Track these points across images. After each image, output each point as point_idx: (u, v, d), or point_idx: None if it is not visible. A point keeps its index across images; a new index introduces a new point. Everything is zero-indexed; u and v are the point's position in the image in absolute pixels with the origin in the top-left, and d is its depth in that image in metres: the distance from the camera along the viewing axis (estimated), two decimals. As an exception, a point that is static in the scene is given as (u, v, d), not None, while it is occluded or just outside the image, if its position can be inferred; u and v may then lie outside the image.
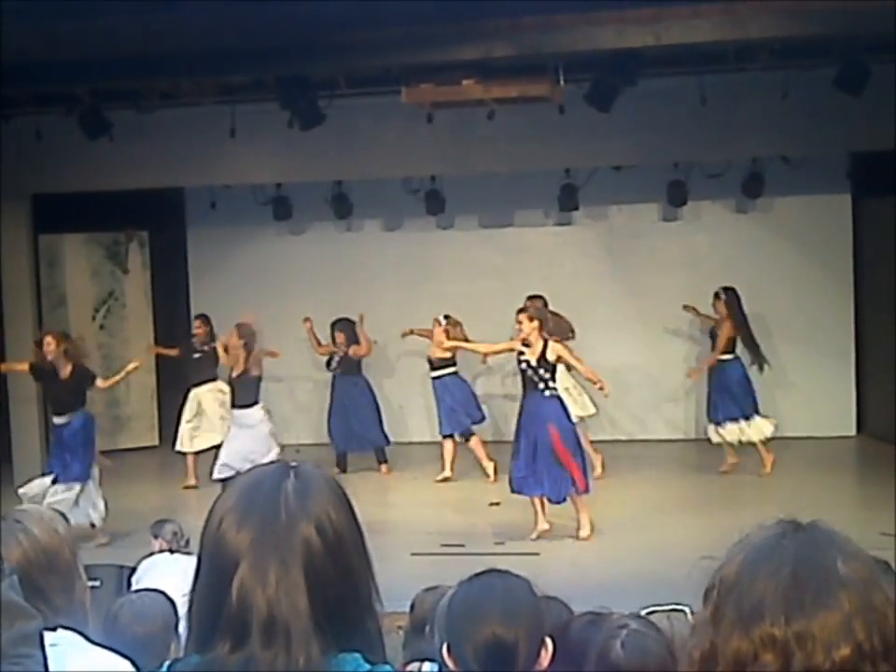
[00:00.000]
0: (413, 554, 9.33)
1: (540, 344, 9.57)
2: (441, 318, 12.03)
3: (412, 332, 12.71)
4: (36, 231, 13.21)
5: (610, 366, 13.08)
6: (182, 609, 4.20)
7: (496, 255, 14.08)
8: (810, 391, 13.32)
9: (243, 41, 9.20)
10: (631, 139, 11.58)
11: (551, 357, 9.55)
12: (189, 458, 12.25)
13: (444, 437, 12.19)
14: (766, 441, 11.56)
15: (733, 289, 11.88)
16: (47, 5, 8.91)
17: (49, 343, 10.16)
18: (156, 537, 7.13)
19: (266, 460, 10.08)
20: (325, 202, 13.65)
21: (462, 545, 9.60)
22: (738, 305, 11.84)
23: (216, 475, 10.53)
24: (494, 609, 2.63)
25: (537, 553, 9.22)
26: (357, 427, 12.46)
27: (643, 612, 3.28)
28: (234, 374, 10.45)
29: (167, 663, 1.71)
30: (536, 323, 9.61)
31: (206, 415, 12.22)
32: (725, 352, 11.78)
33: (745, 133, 11.53)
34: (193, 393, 12.37)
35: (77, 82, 10.47)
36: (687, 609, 5.76)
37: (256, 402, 10.56)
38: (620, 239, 13.92)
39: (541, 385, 9.57)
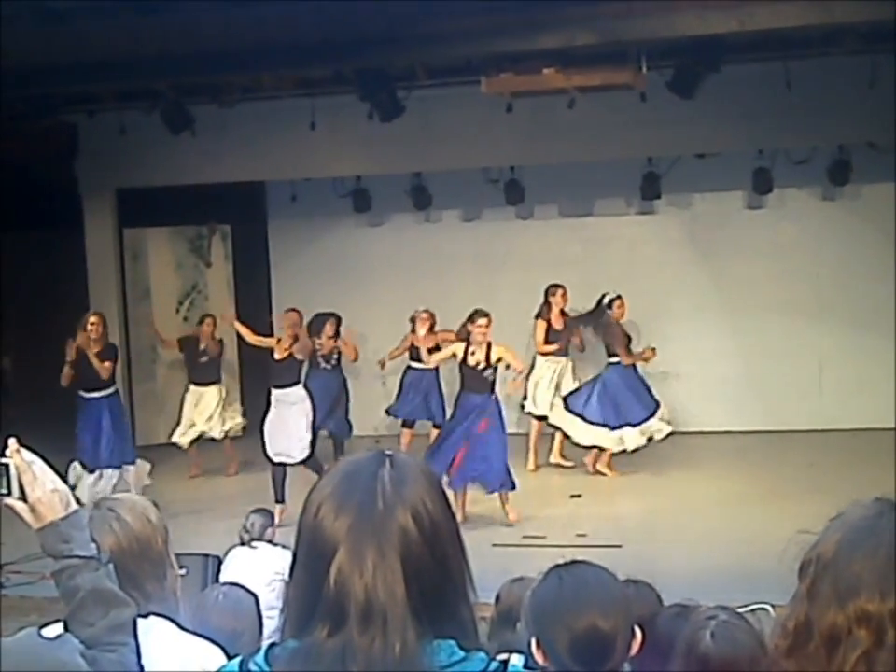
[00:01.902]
0: (494, 545, 9.32)
1: (485, 347, 9.90)
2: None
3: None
4: (121, 225, 13.42)
5: (695, 356, 12.96)
6: (263, 602, 4.24)
7: (576, 245, 13.98)
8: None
9: (322, 34, 9.23)
10: (714, 126, 11.43)
11: (493, 358, 9.90)
12: (192, 450, 12.50)
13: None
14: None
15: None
16: (128, 2, 9.03)
17: (97, 323, 10.79)
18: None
19: (301, 441, 10.17)
20: (404, 193, 13.68)
21: (543, 536, 9.57)
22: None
23: (276, 459, 10.61)
24: (591, 599, 2.60)
25: (619, 546, 9.15)
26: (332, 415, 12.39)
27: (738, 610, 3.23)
28: (278, 356, 10.67)
29: (265, 645, 1.74)
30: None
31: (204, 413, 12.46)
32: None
33: (831, 119, 11.33)
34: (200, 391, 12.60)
35: (159, 78, 10.60)
36: (769, 607, 5.67)
37: (297, 382, 10.74)
38: (704, 228, 13.75)
39: (488, 386, 9.93)
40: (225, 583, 4.58)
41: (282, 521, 9.02)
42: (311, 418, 10.65)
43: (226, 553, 6.88)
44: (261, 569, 6.45)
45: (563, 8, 8.87)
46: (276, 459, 10.50)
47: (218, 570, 6.70)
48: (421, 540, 1.65)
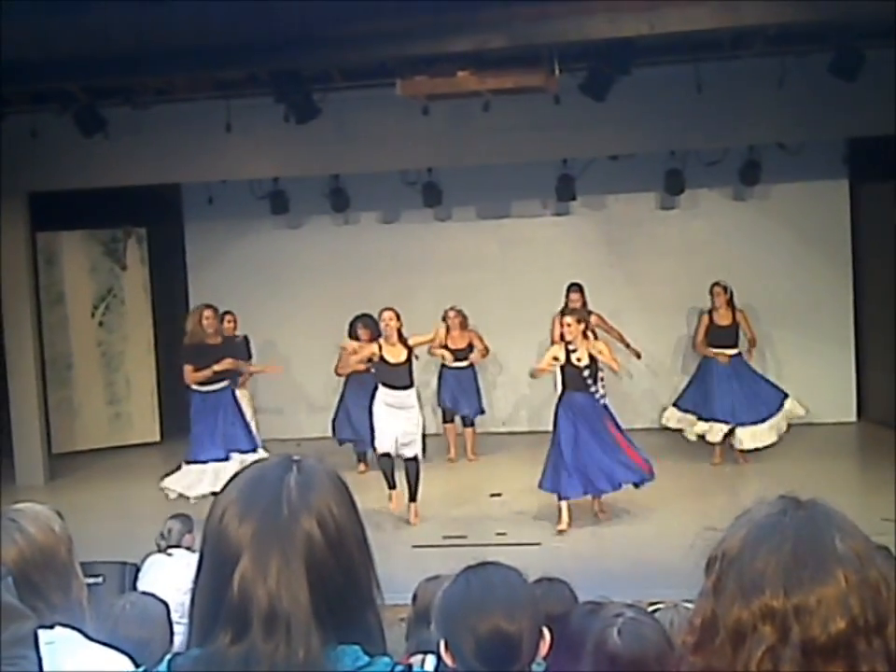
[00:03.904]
0: (414, 547, 9.35)
1: (585, 345, 9.80)
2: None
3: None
4: (34, 229, 13.19)
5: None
6: (175, 611, 4.22)
7: (493, 246, 14.07)
8: (810, 378, 13.30)
9: (236, 36, 9.17)
10: (627, 128, 11.56)
11: (594, 353, 9.83)
12: None
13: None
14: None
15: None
16: (40, 3, 8.90)
17: (210, 317, 10.64)
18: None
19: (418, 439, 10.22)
20: (322, 195, 13.65)
21: (464, 536, 9.61)
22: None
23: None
24: (496, 602, 2.61)
25: (538, 544, 9.23)
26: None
27: (650, 608, 3.27)
28: (394, 362, 10.37)
29: (168, 656, 1.71)
30: (581, 325, 9.86)
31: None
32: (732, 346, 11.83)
33: (741, 120, 11.51)
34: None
35: (71, 80, 10.46)
36: (691, 606, 5.75)
37: (412, 385, 10.48)
38: (618, 228, 13.91)
39: (590, 384, 9.80)
40: (134, 592, 4.55)
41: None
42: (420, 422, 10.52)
43: (143, 561, 6.83)
44: (178, 576, 6.40)
45: (476, 11, 8.92)
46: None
47: (136, 578, 6.66)
48: (326, 546, 1.64)
